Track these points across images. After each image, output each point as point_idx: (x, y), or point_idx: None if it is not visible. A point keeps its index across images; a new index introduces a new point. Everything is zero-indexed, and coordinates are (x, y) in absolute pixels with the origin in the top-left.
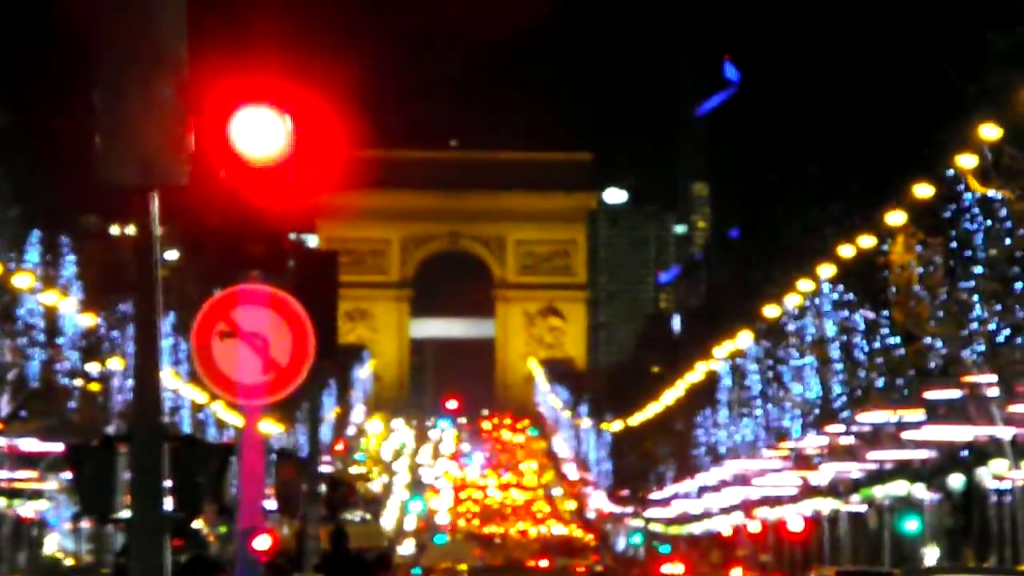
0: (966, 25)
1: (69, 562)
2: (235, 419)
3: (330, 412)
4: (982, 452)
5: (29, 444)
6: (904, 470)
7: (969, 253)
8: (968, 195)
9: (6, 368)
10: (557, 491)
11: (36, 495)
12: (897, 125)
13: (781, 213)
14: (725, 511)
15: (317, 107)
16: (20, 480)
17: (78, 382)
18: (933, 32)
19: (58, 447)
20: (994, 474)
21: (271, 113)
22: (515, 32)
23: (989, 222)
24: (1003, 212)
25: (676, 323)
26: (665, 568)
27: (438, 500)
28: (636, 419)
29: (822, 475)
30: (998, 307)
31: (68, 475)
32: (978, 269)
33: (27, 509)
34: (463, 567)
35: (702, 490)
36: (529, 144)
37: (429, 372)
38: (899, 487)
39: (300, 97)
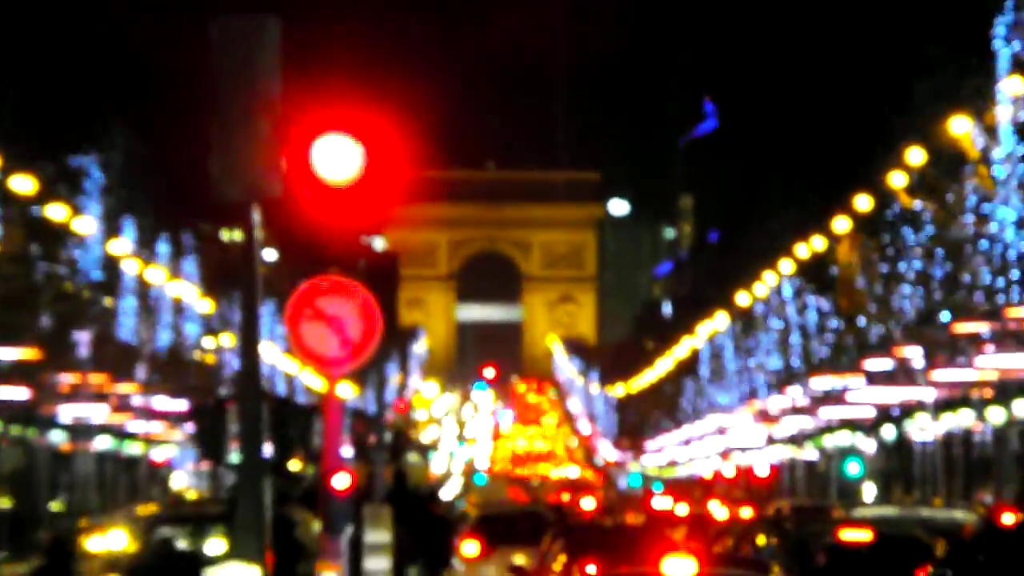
0: (898, 72)
1: (191, 496)
2: (319, 384)
3: (393, 379)
4: (909, 410)
5: (160, 403)
6: (848, 424)
7: (898, 253)
8: (898, 206)
9: (143, 343)
10: (572, 442)
11: (165, 443)
12: (844, 150)
13: (750, 220)
14: (706, 458)
15: (384, 134)
16: (153, 431)
17: (197, 355)
18: (872, 78)
19: (182, 405)
20: (918, 427)
21: (346, 140)
22: (540, 70)
23: (915, 228)
24: (926, 220)
25: (667, 308)
26: (655, 502)
27: (478, 448)
28: (635, 385)
29: (783, 429)
30: (921, 295)
31: (190, 427)
32: (905, 266)
33: (158, 454)
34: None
35: (687, 441)
36: (549, 165)
37: (471, 347)
38: (844, 438)
39: (370, 126)
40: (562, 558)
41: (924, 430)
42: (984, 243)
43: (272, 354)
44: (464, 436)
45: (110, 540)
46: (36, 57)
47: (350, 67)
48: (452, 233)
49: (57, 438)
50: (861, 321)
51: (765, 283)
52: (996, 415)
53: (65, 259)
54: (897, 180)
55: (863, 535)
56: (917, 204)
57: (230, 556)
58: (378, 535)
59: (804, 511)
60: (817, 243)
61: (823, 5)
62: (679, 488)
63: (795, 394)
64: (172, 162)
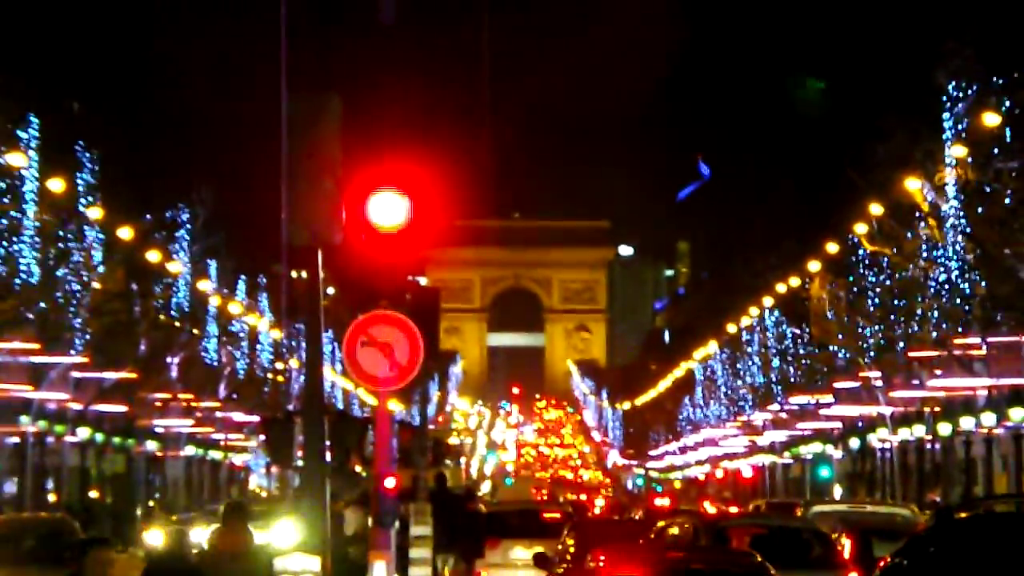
0: (860, 137)
1: (263, 495)
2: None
3: (434, 395)
4: (871, 423)
5: (238, 416)
6: (819, 435)
7: (862, 290)
8: (862, 251)
9: (224, 366)
10: (586, 449)
11: (242, 450)
12: (815, 203)
13: (736, 262)
14: (699, 463)
15: (426, 189)
16: (232, 440)
17: (269, 375)
18: (839, 142)
19: (256, 418)
20: (879, 438)
21: (395, 195)
22: (559, 135)
23: (876, 270)
24: (885, 263)
25: (667, 336)
26: (657, 500)
27: (506, 455)
28: (639, 401)
29: (764, 439)
30: (881, 327)
31: (262, 437)
32: (867, 301)
33: (237, 459)
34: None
35: (683, 449)
36: (566, 214)
37: (500, 369)
38: (816, 447)
39: (415, 182)
40: (573, 548)
41: (883, 440)
42: (933, 283)
43: (331, 374)
44: (494, 444)
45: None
46: (137, 126)
47: (398, 131)
48: (484, 272)
49: (152, 446)
50: (831, 348)
51: (750, 315)
52: (944, 428)
53: (159, 296)
54: (860, 229)
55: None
56: (877, 249)
57: (295, 548)
58: (421, 529)
59: (775, 507)
60: (793, 282)
61: (797, 80)
62: (676, 489)
63: (775, 409)
64: (249, 213)
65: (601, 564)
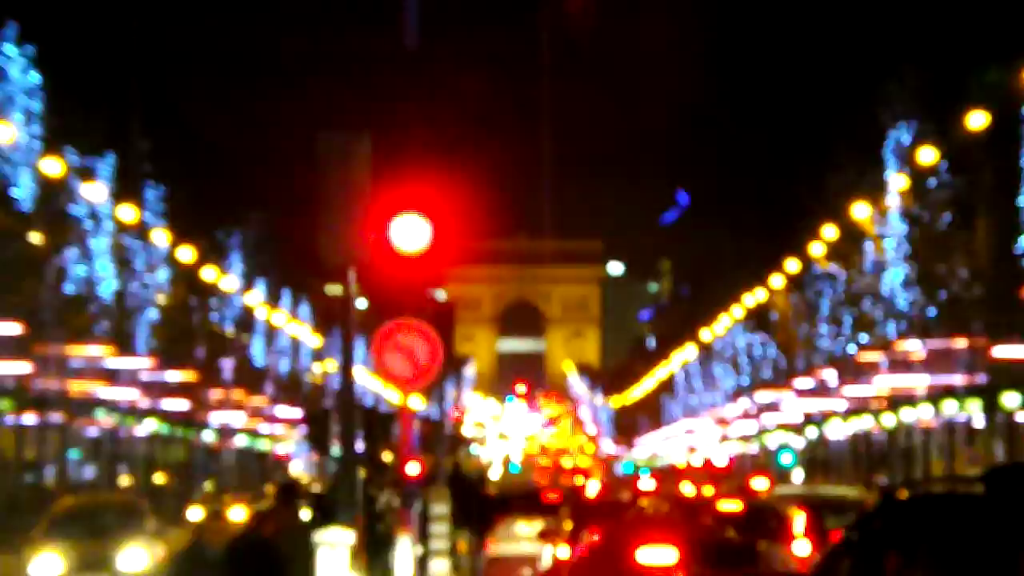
0: (817, 170)
1: (304, 480)
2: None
3: (450, 393)
4: (826, 416)
5: (282, 412)
6: (782, 426)
7: (818, 302)
8: (818, 269)
9: (270, 368)
10: (581, 439)
11: (286, 441)
12: (778, 227)
13: (711, 279)
14: (679, 451)
15: (443, 216)
16: (277, 432)
17: (309, 376)
18: (798, 174)
19: (298, 413)
20: (833, 429)
21: (418, 219)
22: (558, 164)
23: (830, 285)
24: (838, 279)
25: (651, 342)
26: (642, 484)
27: (512, 444)
28: (628, 397)
29: (734, 429)
30: (834, 333)
31: (304, 429)
32: (823, 312)
33: (281, 449)
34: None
35: (665, 440)
36: (565, 235)
37: (507, 370)
38: (779, 436)
39: (433, 210)
40: (569, 525)
41: (837, 431)
42: (880, 297)
43: (363, 375)
44: (502, 435)
45: (237, 512)
46: (196, 161)
47: (418, 164)
48: (493, 287)
49: (208, 437)
50: (792, 351)
51: (722, 323)
52: (888, 420)
53: (214, 307)
54: (817, 249)
55: (735, 506)
56: (832, 267)
57: (332, 523)
58: (440, 508)
59: (741, 488)
60: (760, 295)
61: (761, 121)
62: (658, 474)
63: (744, 404)
64: (291, 236)
65: (598, 537)
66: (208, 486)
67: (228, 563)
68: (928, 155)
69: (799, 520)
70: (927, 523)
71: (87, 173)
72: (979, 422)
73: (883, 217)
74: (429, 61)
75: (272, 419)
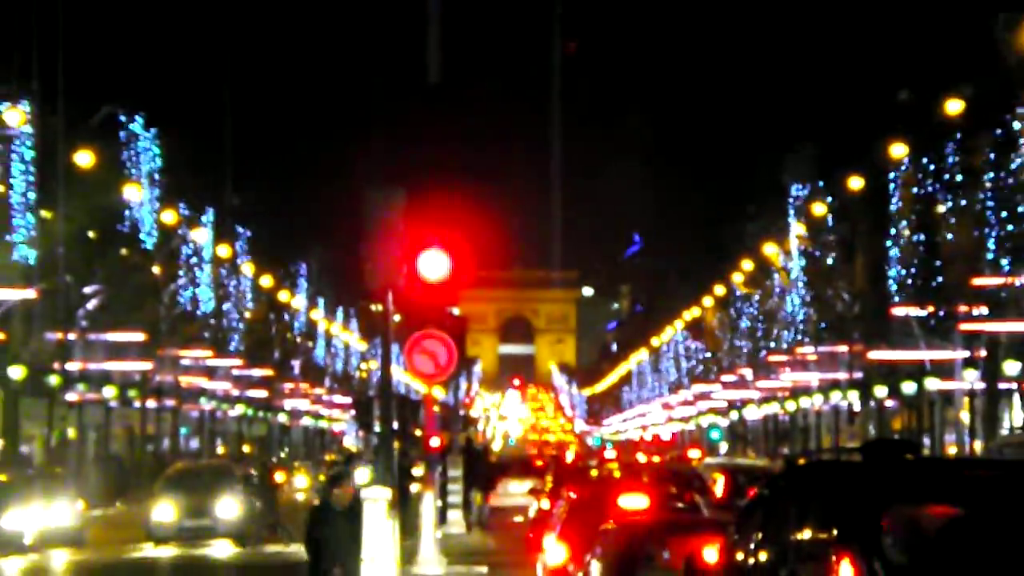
0: (736, 219)
1: (353, 450)
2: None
3: (463, 386)
4: (744, 403)
5: (337, 399)
6: (711, 410)
7: (738, 318)
8: (738, 292)
9: (328, 366)
10: (561, 420)
11: (340, 421)
12: (708, 263)
13: (659, 300)
14: (635, 429)
15: (458, 252)
16: (334, 415)
17: (358, 372)
18: (721, 224)
19: (348, 400)
20: (749, 413)
21: (440, 254)
22: (546, 207)
23: (747, 304)
24: (754, 300)
25: (614, 348)
26: (606, 453)
27: (510, 424)
28: (598, 389)
29: (676, 413)
30: (750, 341)
31: (353, 412)
32: (742, 325)
33: (336, 427)
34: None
35: (624, 420)
36: (550, 265)
37: (505, 368)
38: (709, 418)
39: (450, 243)
40: (551, 484)
41: (752, 414)
42: (784, 314)
43: (397, 371)
44: (502, 417)
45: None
46: (276, 212)
47: (438, 207)
48: (495, 305)
49: (282, 418)
50: (719, 354)
51: (667, 333)
52: (791, 406)
53: (286, 321)
54: (737, 278)
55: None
56: (747, 291)
57: (374, 483)
58: (455, 471)
59: (679, 459)
60: (696, 311)
61: (697, 183)
62: (619, 446)
63: (683, 394)
64: (344, 267)
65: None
66: (282, 454)
67: (347, 515)
68: (819, 209)
69: (720, 482)
70: (818, 483)
71: (194, 221)
72: (857, 407)
73: (786, 255)
74: (450, 97)
75: (329, 404)
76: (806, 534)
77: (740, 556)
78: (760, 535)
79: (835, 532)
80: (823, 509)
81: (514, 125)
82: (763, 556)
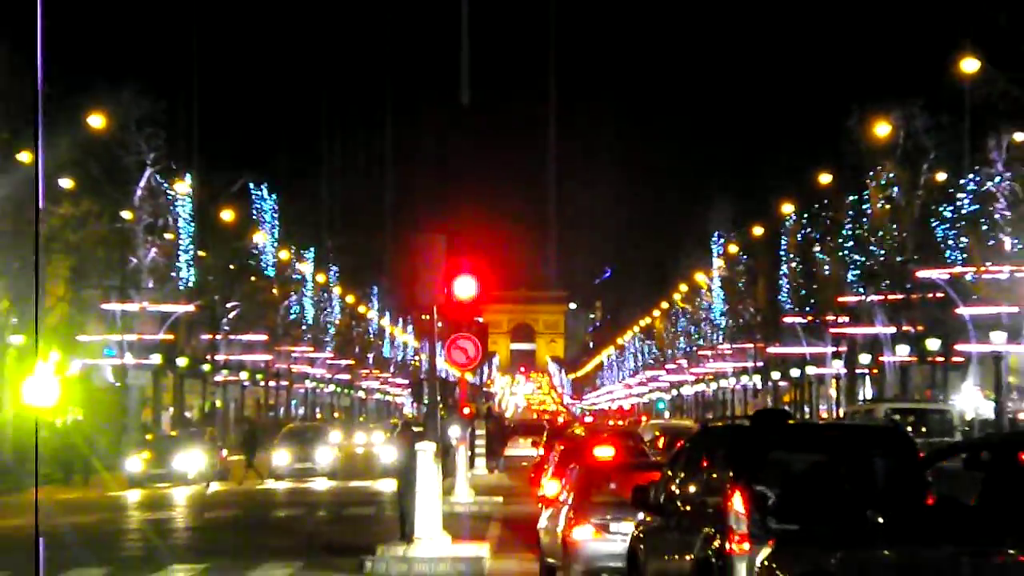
0: (672, 256)
1: (409, 416)
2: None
3: (485, 371)
4: (681, 384)
5: (399, 380)
6: (658, 389)
7: (676, 325)
8: (677, 308)
9: (392, 359)
10: (554, 396)
11: (400, 396)
12: (654, 289)
13: (622, 313)
14: (606, 402)
15: (482, 276)
16: (396, 392)
17: (412, 362)
18: (663, 262)
19: (406, 381)
20: (685, 391)
21: (469, 279)
22: (541, 237)
23: (684, 315)
24: (686, 314)
25: (591, 345)
26: (586, 419)
27: (519, 398)
28: (579, 374)
29: (634, 391)
30: (686, 342)
31: (409, 390)
32: (678, 331)
33: (398, 400)
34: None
35: (598, 396)
36: (546, 287)
37: (515, 360)
38: (657, 394)
39: (476, 272)
40: (544, 439)
41: (688, 391)
42: (709, 321)
43: (440, 362)
44: (513, 393)
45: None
46: (362, 253)
47: (469, 245)
48: (508, 315)
49: (360, 394)
50: (664, 350)
51: (628, 335)
52: (713, 386)
53: (363, 327)
54: (676, 297)
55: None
56: (684, 305)
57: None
58: (480, 431)
59: (634, 422)
60: (648, 320)
61: (646, 231)
62: (595, 415)
63: (639, 377)
64: (403, 288)
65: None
66: (361, 419)
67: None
68: (733, 248)
69: (660, 439)
70: (721, 439)
71: (301, 257)
72: (759, 386)
73: (710, 280)
74: (478, 121)
75: (393, 384)
76: (712, 473)
77: (670, 487)
78: (683, 473)
79: (730, 472)
80: (724, 457)
81: (520, 175)
82: (684, 488)
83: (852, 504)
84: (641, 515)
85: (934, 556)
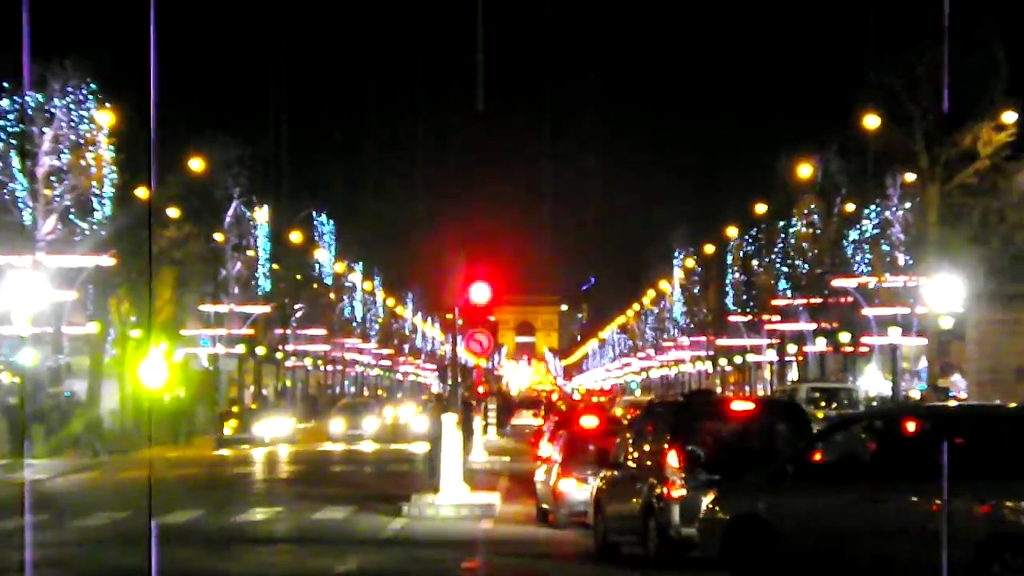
0: (640, 269)
1: (436, 393)
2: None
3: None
4: (650, 368)
5: (429, 366)
6: (632, 373)
7: (644, 327)
8: (646, 313)
9: (424, 349)
10: (550, 378)
11: (428, 378)
12: (628, 292)
13: (604, 314)
14: (592, 383)
15: (494, 283)
16: (427, 376)
17: (439, 351)
18: (636, 270)
19: (434, 366)
20: (652, 374)
21: (484, 285)
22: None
23: (652, 315)
24: (655, 313)
25: (579, 339)
26: (574, 396)
27: (522, 380)
28: (570, 361)
29: (612, 374)
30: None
31: (437, 373)
32: (648, 325)
33: (428, 381)
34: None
35: (585, 378)
36: (543, 291)
37: (519, 350)
38: (631, 377)
39: (491, 277)
40: (543, 412)
41: (654, 375)
42: (671, 319)
43: (461, 351)
44: (518, 376)
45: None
46: (393, 267)
47: (483, 256)
48: (513, 315)
49: (399, 376)
50: (635, 342)
51: (608, 331)
52: (675, 371)
53: (400, 324)
54: (646, 300)
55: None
56: (650, 307)
57: (449, 410)
58: (492, 406)
59: (612, 399)
60: (623, 319)
61: (621, 250)
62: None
63: (617, 364)
64: (433, 292)
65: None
66: (399, 396)
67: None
68: (690, 262)
69: (629, 413)
70: (663, 412)
71: (352, 270)
72: (710, 371)
73: (673, 287)
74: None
75: (424, 369)
76: (655, 438)
77: (625, 449)
78: (634, 439)
79: (668, 436)
80: (664, 425)
81: (526, 196)
82: (635, 449)
83: (761, 460)
84: (604, 471)
85: (839, 500)
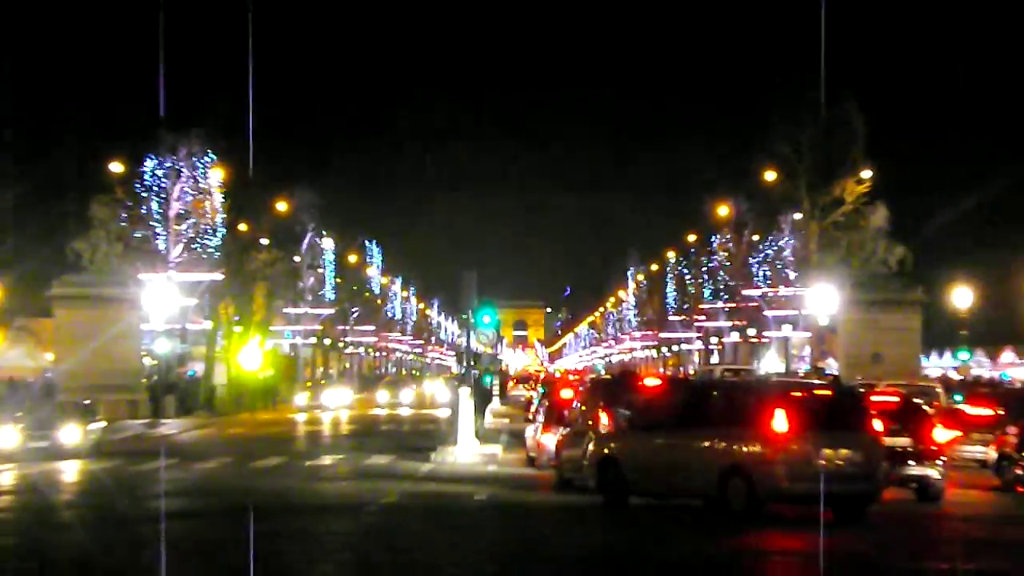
0: (603, 285)
1: (454, 372)
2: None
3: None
4: (611, 355)
5: (449, 352)
6: (600, 358)
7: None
8: (609, 312)
9: (446, 341)
10: (538, 361)
11: (449, 362)
12: (593, 301)
13: (577, 315)
14: (572, 365)
15: (498, 290)
16: (449, 361)
17: (457, 343)
18: (599, 285)
19: (453, 353)
20: (614, 359)
21: (491, 307)
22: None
23: (614, 316)
24: (615, 316)
25: (559, 334)
26: (556, 375)
27: (518, 363)
28: (553, 349)
29: (584, 359)
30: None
31: (455, 358)
32: (610, 323)
33: (447, 364)
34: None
35: (565, 362)
36: (533, 299)
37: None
38: (597, 361)
39: (493, 292)
40: (532, 386)
41: (614, 360)
42: (627, 319)
43: (473, 342)
44: (515, 361)
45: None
46: (420, 281)
47: (489, 270)
48: (511, 316)
49: (428, 359)
50: (601, 335)
51: (582, 328)
52: (627, 358)
53: (429, 321)
54: (608, 305)
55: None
56: (611, 311)
57: (463, 384)
58: (497, 383)
59: (582, 378)
60: (592, 318)
61: (592, 262)
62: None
63: (587, 352)
64: (454, 298)
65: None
66: (427, 374)
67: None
68: (640, 277)
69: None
70: (600, 385)
71: (394, 282)
72: (655, 356)
73: (628, 296)
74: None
75: (446, 355)
76: (594, 403)
77: (578, 411)
78: (582, 405)
79: (601, 403)
80: (600, 394)
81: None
82: (582, 412)
83: (663, 417)
84: (562, 428)
85: (651, 444)
